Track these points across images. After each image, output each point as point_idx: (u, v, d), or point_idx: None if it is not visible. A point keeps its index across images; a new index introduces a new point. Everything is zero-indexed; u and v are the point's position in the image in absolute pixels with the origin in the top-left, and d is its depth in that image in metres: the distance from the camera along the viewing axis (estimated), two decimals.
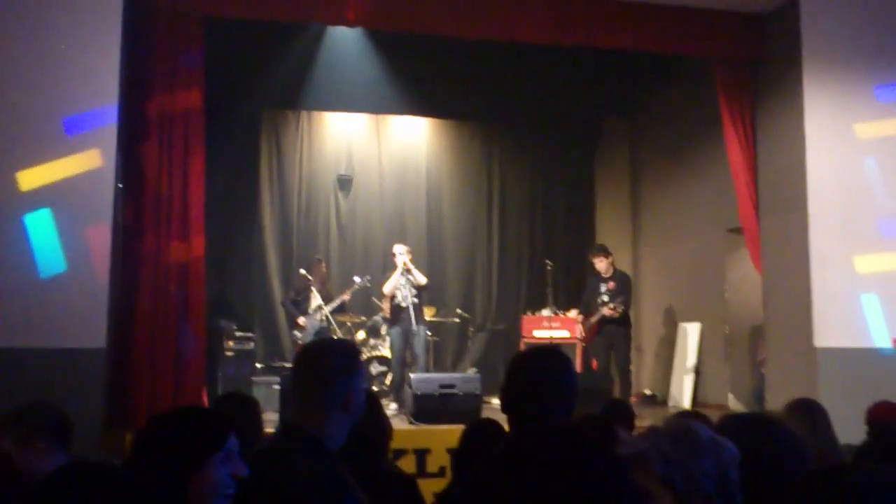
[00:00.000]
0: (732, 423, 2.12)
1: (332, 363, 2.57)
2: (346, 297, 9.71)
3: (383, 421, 3.36)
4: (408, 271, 9.10)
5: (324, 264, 10.22)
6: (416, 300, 9.01)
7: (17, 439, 2.95)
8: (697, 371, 10.13)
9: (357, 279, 9.88)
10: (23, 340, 6.25)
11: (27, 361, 6.17)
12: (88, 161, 6.65)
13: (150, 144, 7.21)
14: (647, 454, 1.74)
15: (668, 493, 1.70)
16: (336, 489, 2.40)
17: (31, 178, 6.52)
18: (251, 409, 3.52)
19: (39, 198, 6.52)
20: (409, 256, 9.22)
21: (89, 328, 6.46)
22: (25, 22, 6.67)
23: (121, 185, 6.90)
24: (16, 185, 6.49)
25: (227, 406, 3.46)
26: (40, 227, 6.48)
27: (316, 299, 9.56)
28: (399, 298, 9.06)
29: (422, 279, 9.13)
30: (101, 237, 6.64)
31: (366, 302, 10.68)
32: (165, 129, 7.28)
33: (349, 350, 2.69)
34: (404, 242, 9.73)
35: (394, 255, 9.32)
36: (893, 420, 4.36)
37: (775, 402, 7.32)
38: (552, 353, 2.76)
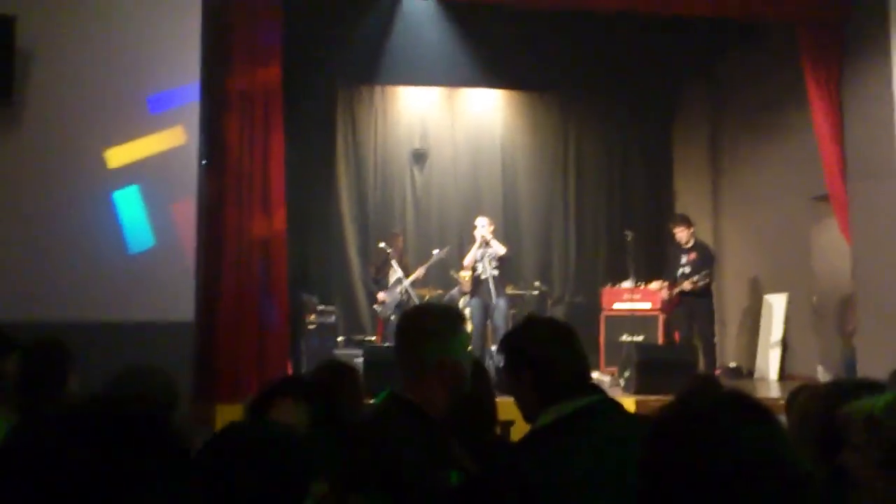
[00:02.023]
0: None
1: (423, 326, 2.53)
2: (422, 271, 9.74)
3: (490, 391, 3.25)
4: (486, 244, 9.09)
5: (401, 238, 10.27)
6: (495, 272, 8.99)
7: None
8: (784, 343, 9.91)
9: (435, 251, 9.91)
10: (114, 314, 6.41)
11: (119, 335, 6.29)
12: (173, 138, 6.76)
13: (231, 121, 7.31)
14: None
15: None
16: (433, 458, 2.39)
17: (118, 156, 6.66)
18: (351, 377, 3.53)
19: (127, 175, 6.65)
20: (492, 228, 9.21)
21: (177, 302, 6.59)
22: (108, 3, 6.78)
23: (204, 162, 7.01)
24: (104, 163, 6.63)
25: (326, 375, 3.47)
26: (128, 203, 6.63)
27: (396, 272, 9.61)
28: (479, 270, 9.06)
29: (501, 249, 9.11)
30: (186, 212, 6.76)
31: (444, 276, 10.69)
32: (246, 106, 7.37)
33: (444, 313, 2.64)
34: (485, 215, 9.70)
35: (475, 227, 9.31)
36: None
37: (868, 372, 7.09)
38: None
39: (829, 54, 8.22)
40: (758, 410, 1.38)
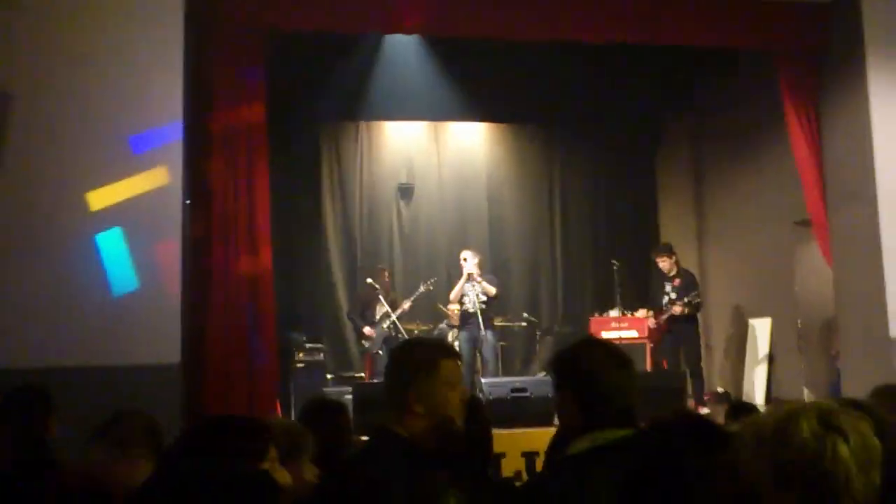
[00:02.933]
0: None
1: (412, 359, 2.54)
2: (407, 304, 9.72)
3: (486, 425, 3.23)
4: (472, 277, 9.11)
5: (387, 272, 10.26)
6: (483, 306, 9.00)
7: (112, 446, 2.81)
8: (770, 367, 9.94)
9: (421, 286, 9.90)
10: (99, 359, 6.32)
11: (104, 379, 6.22)
12: (156, 178, 6.74)
13: (215, 160, 7.29)
14: None
15: None
16: (420, 491, 2.37)
17: (100, 198, 6.62)
18: (339, 414, 3.51)
19: (109, 217, 6.60)
20: (477, 260, 9.23)
21: (163, 344, 6.53)
22: (89, 42, 6.76)
23: (188, 202, 6.99)
24: (86, 205, 6.59)
25: (313, 412, 3.45)
26: (112, 245, 6.58)
27: (383, 307, 9.60)
28: (467, 304, 9.07)
29: (491, 290, 9.15)
30: (171, 253, 6.72)
31: (431, 309, 10.68)
32: (230, 144, 7.35)
33: (435, 346, 2.66)
34: (472, 247, 9.71)
35: (463, 259, 9.32)
36: None
37: (852, 394, 7.11)
38: None
39: (806, 82, 8.31)
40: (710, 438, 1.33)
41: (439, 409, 2.48)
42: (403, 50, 10.36)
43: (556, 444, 2.61)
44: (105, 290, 6.54)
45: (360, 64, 10.44)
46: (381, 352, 9.49)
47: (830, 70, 8.21)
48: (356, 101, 10.88)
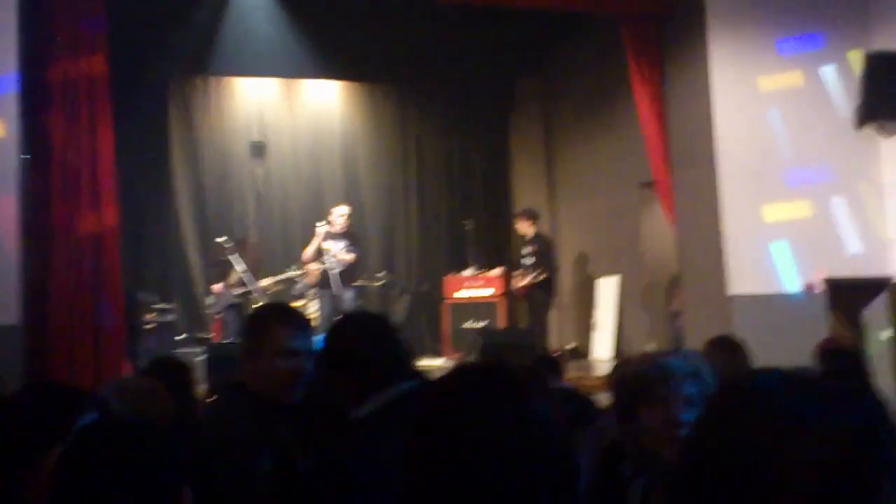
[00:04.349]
0: None
1: (268, 314, 2.82)
2: (268, 282, 9.57)
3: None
4: (335, 236, 9.10)
5: (249, 242, 10.00)
6: (342, 267, 9.05)
7: None
8: (617, 324, 10.35)
9: (289, 270, 9.74)
10: None
11: None
12: None
13: (54, 113, 6.97)
14: None
15: None
16: (254, 439, 2.46)
17: None
18: (183, 373, 3.47)
19: None
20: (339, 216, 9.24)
21: (1, 304, 6.25)
22: None
23: (27, 156, 6.67)
24: None
25: (157, 371, 3.40)
26: None
27: (235, 273, 9.34)
28: (328, 262, 9.07)
29: (348, 256, 9.15)
30: (7, 210, 6.42)
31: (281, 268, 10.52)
32: (70, 97, 7.04)
33: (263, 310, 3.03)
34: (327, 207, 9.80)
35: (333, 215, 9.32)
36: (841, 349, 4.61)
37: (694, 348, 7.53)
38: None
39: (651, 48, 8.61)
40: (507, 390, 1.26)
41: (266, 375, 2.56)
42: (253, 3, 10.13)
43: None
44: None
45: (208, 16, 10.11)
46: (221, 315, 9.33)
47: (673, 35, 8.53)
48: (205, 56, 10.52)
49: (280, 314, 2.73)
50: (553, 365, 5.13)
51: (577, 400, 4.46)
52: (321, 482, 2.24)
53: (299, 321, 2.70)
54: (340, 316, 2.85)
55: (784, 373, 1.04)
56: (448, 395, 1.27)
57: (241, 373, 2.61)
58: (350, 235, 9.44)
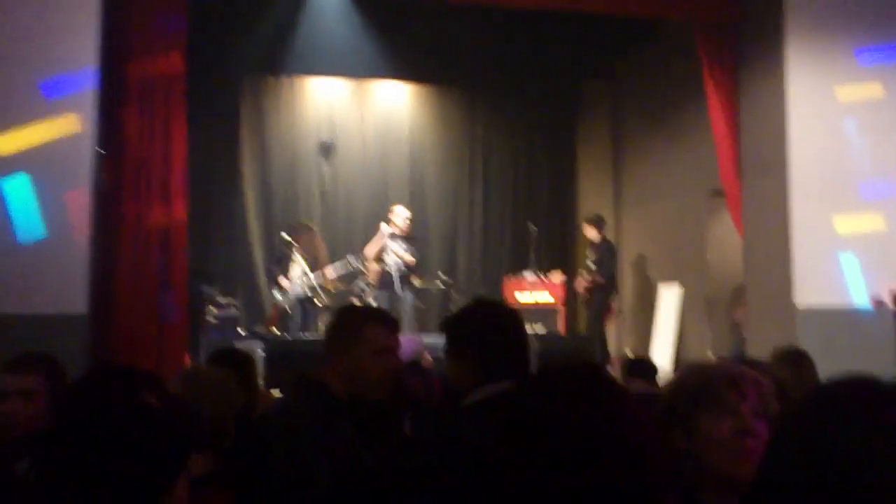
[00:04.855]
0: None
1: (335, 320, 2.84)
2: (331, 271, 9.64)
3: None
4: (395, 237, 9.15)
5: (313, 231, 10.14)
6: (405, 269, 9.08)
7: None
8: (679, 332, 10.20)
9: (351, 262, 9.78)
10: (3, 306, 6.19)
11: (7, 327, 6.09)
12: (67, 125, 6.56)
13: (130, 109, 7.12)
14: None
15: None
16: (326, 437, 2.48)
17: (8, 143, 6.43)
18: (244, 364, 3.46)
19: (17, 162, 6.43)
20: (408, 217, 9.30)
21: (70, 294, 6.40)
22: None
23: (102, 151, 6.83)
24: None
25: (219, 360, 3.40)
26: (18, 192, 6.41)
27: (299, 265, 9.49)
28: (389, 263, 9.11)
29: (409, 258, 9.19)
30: (80, 202, 6.57)
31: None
32: (146, 94, 7.17)
33: (356, 310, 3.13)
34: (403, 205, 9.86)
35: (394, 214, 9.35)
36: None
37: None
38: None
39: (725, 53, 8.45)
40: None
41: (359, 373, 2.62)
42: (329, 4, 10.25)
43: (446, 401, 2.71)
44: (10, 236, 6.37)
45: (284, 16, 10.29)
46: (290, 311, 9.43)
47: (749, 42, 8.35)
48: (279, 55, 10.72)
49: (375, 313, 2.90)
50: (647, 368, 5.07)
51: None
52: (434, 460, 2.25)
53: (392, 321, 2.80)
54: (475, 300, 2.80)
55: (880, 381, 1.02)
56: (548, 395, 1.27)
57: (323, 369, 2.66)
58: (411, 238, 9.47)
